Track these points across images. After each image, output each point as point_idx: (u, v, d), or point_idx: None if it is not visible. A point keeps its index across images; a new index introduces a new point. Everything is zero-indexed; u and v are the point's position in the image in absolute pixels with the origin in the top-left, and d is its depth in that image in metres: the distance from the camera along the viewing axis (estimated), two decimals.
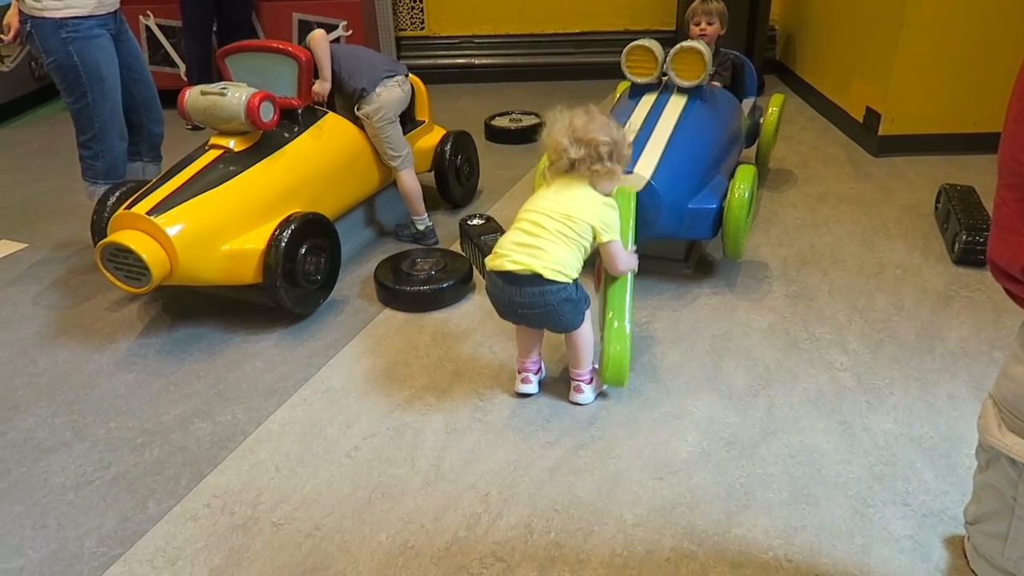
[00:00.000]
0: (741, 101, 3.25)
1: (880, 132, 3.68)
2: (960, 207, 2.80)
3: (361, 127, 2.84)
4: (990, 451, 1.01)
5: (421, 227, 2.99)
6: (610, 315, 2.00)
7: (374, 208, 3.09)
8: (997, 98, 3.51)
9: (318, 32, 2.71)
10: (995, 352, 2.21)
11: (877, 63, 3.71)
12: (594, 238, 1.91)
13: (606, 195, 1.94)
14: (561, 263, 1.85)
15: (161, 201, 2.25)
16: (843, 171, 3.60)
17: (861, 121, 3.87)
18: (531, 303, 1.87)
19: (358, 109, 2.77)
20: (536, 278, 1.84)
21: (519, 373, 2.10)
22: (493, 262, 1.91)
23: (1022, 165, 0.87)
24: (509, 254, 1.87)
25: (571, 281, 1.89)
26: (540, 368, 2.12)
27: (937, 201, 3.08)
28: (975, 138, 3.56)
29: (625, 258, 2.00)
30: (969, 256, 2.67)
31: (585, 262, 1.95)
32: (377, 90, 2.74)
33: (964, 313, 2.42)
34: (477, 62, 5.42)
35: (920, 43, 3.47)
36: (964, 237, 2.66)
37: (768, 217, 3.14)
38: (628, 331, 1.97)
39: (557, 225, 1.86)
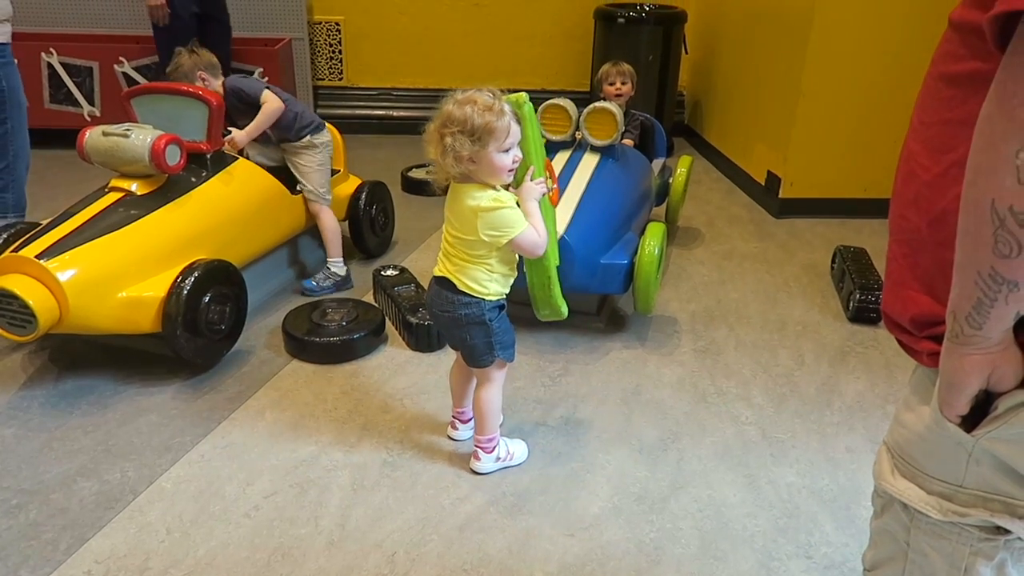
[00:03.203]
0: (651, 161, 3.36)
1: (780, 195, 3.87)
2: (854, 267, 2.96)
3: (276, 173, 2.81)
4: (884, 496, 1.04)
5: (337, 271, 2.95)
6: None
7: (285, 256, 3.01)
8: (886, 166, 3.73)
9: (278, 103, 2.76)
10: (888, 406, 2.31)
11: (777, 130, 3.92)
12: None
13: (501, 184, 1.78)
14: (472, 278, 1.80)
15: (53, 244, 2.13)
16: (747, 231, 3.75)
17: (763, 184, 4.06)
18: (445, 307, 1.84)
19: (303, 138, 2.85)
20: (454, 285, 1.82)
21: (452, 418, 2.11)
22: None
23: (908, 222, 0.92)
24: (440, 260, 1.87)
25: (487, 298, 1.82)
26: (472, 417, 2.09)
27: (833, 261, 3.24)
28: (866, 203, 3.79)
29: (537, 241, 1.80)
30: (863, 314, 2.80)
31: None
32: (324, 130, 2.91)
33: (859, 368, 2.53)
34: (395, 114, 5.44)
35: (816, 113, 3.69)
36: (858, 296, 2.80)
37: (677, 273, 3.22)
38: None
39: (459, 248, 1.80)
